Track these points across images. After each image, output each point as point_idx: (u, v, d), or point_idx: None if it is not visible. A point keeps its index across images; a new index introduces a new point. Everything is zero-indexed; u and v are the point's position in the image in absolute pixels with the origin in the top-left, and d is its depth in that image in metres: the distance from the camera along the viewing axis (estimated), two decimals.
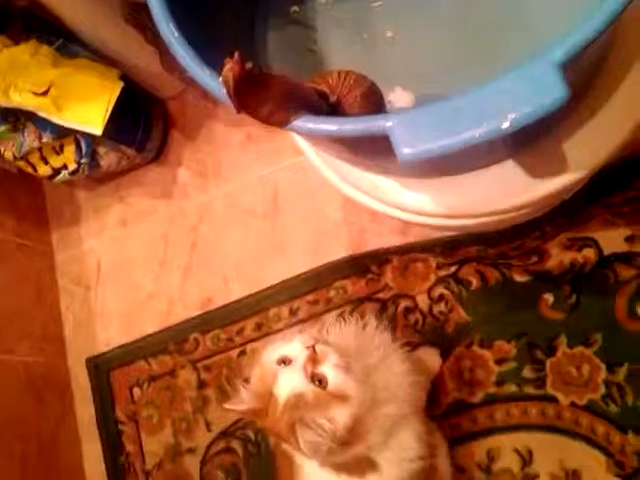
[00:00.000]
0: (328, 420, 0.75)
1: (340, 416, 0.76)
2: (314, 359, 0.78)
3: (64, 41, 1.33)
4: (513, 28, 0.74)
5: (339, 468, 0.85)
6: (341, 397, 0.77)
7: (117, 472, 1.40)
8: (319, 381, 0.77)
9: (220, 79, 0.54)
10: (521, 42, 0.71)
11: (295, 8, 0.84)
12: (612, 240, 1.11)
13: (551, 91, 0.47)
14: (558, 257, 1.14)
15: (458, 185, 0.74)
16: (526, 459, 1.09)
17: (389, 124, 0.52)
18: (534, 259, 1.15)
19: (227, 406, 0.84)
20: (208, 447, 1.33)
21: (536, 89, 0.48)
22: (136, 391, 1.43)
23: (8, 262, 1.45)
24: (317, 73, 0.63)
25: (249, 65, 0.53)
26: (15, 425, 1.30)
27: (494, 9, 0.74)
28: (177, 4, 0.70)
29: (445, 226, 0.79)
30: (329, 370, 0.77)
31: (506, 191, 0.72)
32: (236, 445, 1.30)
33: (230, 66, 0.53)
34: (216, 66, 0.58)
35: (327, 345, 0.81)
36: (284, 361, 0.80)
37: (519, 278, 1.15)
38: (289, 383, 0.77)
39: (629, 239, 1.10)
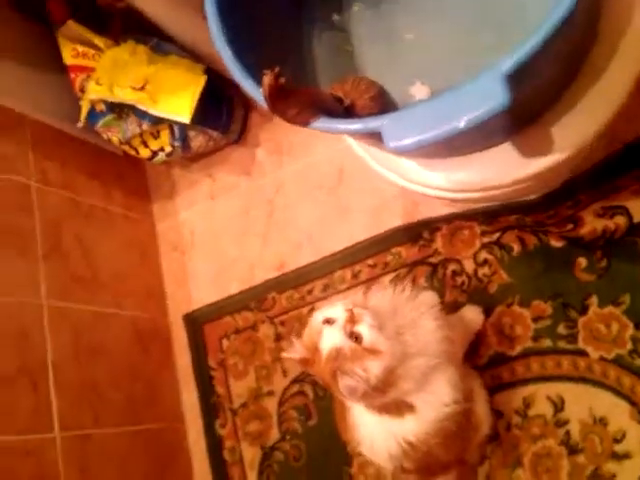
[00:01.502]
0: (363, 370, 0.89)
1: (373, 367, 0.90)
2: (352, 320, 0.92)
3: (157, 40, 1.52)
4: (519, 30, 0.85)
5: (381, 409, 1.00)
6: (374, 351, 0.90)
7: (209, 410, 1.58)
8: (356, 338, 0.91)
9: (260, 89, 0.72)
10: None
11: (335, 16, 0.99)
12: None
13: (496, 98, 0.61)
14: (591, 224, 1.22)
15: (465, 165, 0.88)
16: (558, 406, 1.19)
17: (380, 124, 0.67)
18: (569, 226, 1.24)
19: (284, 354, 1.00)
20: (284, 390, 1.49)
21: (485, 96, 0.61)
22: (224, 342, 1.60)
23: (117, 230, 1.64)
24: (336, 80, 0.79)
25: (282, 80, 0.70)
26: (125, 369, 1.50)
27: (503, 19, 0.86)
28: (235, 20, 0.87)
29: (455, 198, 0.92)
30: (364, 329, 0.91)
31: (505, 169, 0.85)
32: (307, 389, 1.45)
33: (267, 78, 0.70)
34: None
35: (364, 308, 0.95)
36: (328, 321, 0.94)
37: (555, 244, 1.25)
38: (331, 339, 0.91)
39: None
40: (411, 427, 1.01)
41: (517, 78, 0.62)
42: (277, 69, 0.70)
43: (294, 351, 0.97)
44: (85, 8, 1.51)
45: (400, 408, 1.00)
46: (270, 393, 1.51)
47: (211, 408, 1.59)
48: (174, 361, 1.67)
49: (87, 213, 1.57)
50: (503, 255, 1.30)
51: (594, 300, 1.20)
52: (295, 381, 1.48)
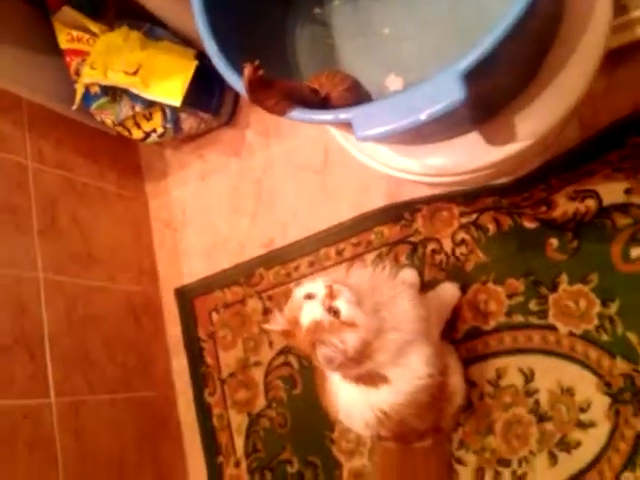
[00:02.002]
0: (340, 341, 0.95)
1: (350, 339, 0.95)
2: (331, 295, 0.97)
3: (150, 25, 1.56)
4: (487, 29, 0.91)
5: (357, 380, 1.06)
6: (351, 325, 0.95)
7: (199, 379, 1.64)
8: (334, 312, 0.96)
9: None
10: None
11: (317, 10, 1.04)
12: (612, 192, 1.24)
13: (453, 94, 0.67)
14: (563, 207, 1.28)
15: (437, 151, 0.93)
16: (528, 377, 1.26)
17: (350, 116, 0.73)
18: (543, 208, 1.30)
19: (267, 326, 1.06)
20: (271, 361, 1.55)
21: (444, 92, 0.67)
22: (214, 315, 1.66)
23: (111, 208, 1.70)
24: (313, 74, 0.84)
25: (261, 72, 0.76)
26: (118, 340, 1.56)
27: (473, 17, 0.90)
28: (221, 14, 0.92)
29: (429, 182, 0.98)
30: (342, 304, 0.96)
31: (472, 156, 0.91)
32: (292, 360, 1.52)
33: (247, 70, 0.75)
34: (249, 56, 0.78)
35: (342, 284, 1.00)
36: (309, 296, 0.99)
37: (529, 225, 1.31)
38: (311, 313, 0.96)
39: (628, 191, 1.23)
40: (385, 397, 1.07)
41: (474, 75, 0.68)
42: (256, 62, 0.75)
43: (276, 323, 1.03)
44: None
45: (374, 379, 1.05)
46: (257, 364, 1.58)
47: (200, 377, 1.65)
48: (165, 333, 1.73)
49: (82, 191, 1.62)
50: (480, 235, 1.36)
51: (564, 278, 1.26)
52: (281, 352, 1.55)
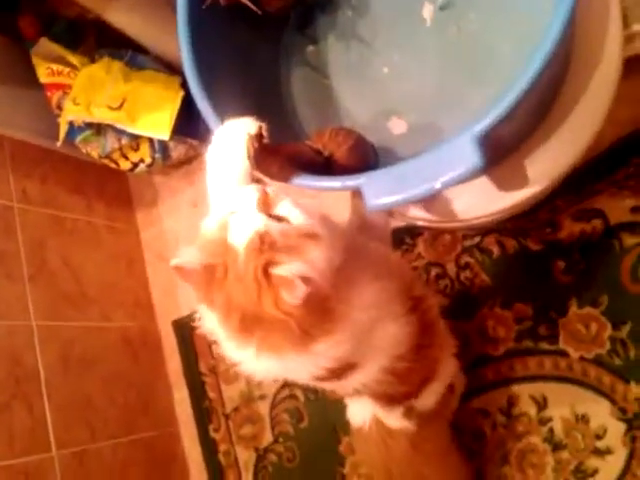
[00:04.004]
0: (305, 260, 0.63)
1: (316, 256, 0.64)
2: (267, 202, 0.66)
3: (132, 52, 1.50)
4: (489, 65, 0.87)
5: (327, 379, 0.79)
6: (312, 236, 0.64)
7: (202, 415, 1.61)
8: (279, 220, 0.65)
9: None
10: (495, 77, 0.85)
11: (311, 47, 0.99)
12: (618, 211, 1.20)
13: (469, 161, 0.63)
14: (569, 228, 1.24)
15: (441, 199, 0.89)
16: (541, 405, 1.23)
17: (357, 183, 0.69)
18: (548, 230, 1.26)
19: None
20: (275, 394, 1.52)
21: (459, 158, 0.64)
22: (214, 348, 1.56)
23: (102, 242, 1.65)
24: (315, 132, 0.80)
25: (265, 140, 0.71)
26: (117, 380, 1.52)
27: (472, 50, 0.87)
28: (209, 58, 0.87)
29: (430, 227, 0.94)
30: (289, 208, 0.66)
31: (481, 202, 0.87)
32: (298, 392, 1.48)
33: (249, 142, 0.71)
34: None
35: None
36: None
37: (534, 247, 1.27)
38: (247, 224, 0.64)
39: (635, 210, 1.19)
40: (358, 380, 0.84)
41: (487, 136, 0.64)
42: (259, 128, 0.71)
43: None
44: (58, 24, 1.49)
45: (344, 371, 0.80)
46: (262, 397, 1.54)
47: (204, 413, 1.62)
48: (165, 368, 1.69)
49: (71, 228, 1.57)
50: (484, 258, 1.32)
51: (573, 301, 1.23)
52: (286, 385, 1.51)
